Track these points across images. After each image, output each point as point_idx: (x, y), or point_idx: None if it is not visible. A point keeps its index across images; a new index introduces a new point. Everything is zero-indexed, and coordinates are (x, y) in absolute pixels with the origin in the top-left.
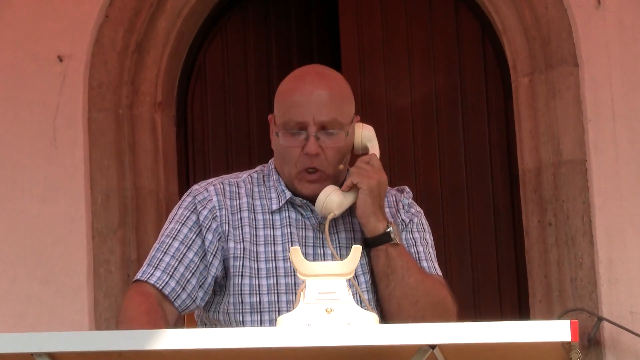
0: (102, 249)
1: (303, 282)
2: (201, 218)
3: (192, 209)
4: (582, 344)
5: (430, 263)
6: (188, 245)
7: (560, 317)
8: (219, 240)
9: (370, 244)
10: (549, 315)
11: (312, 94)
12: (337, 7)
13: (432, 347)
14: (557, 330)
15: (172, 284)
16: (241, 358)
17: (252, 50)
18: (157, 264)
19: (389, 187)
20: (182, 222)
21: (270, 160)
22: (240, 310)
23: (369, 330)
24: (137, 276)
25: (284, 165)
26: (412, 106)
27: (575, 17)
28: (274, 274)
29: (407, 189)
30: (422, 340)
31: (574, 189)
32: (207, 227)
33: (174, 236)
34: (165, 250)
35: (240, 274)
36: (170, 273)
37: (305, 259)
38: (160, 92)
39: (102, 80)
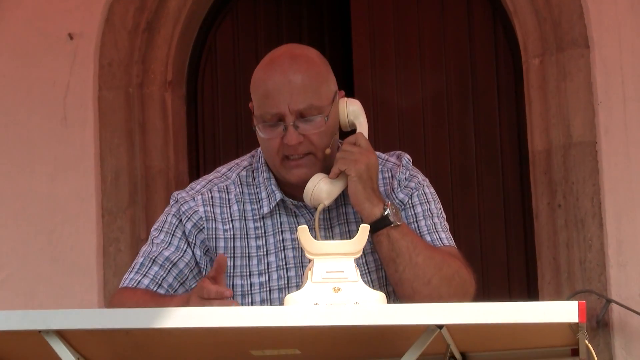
0: (111, 227)
1: (310, 261)
2: (186, 232)
3: (179, 219)
4: (590, 326)
5: (435, 235)
6: (179, 256)
7: (569, 299)
8: (205, 253)
9: (370, 230)
10: (557, 296)
11: (284, 82)
12: None
13: (440, 327)
14: (565, 311)
15: (162, 292)
16: (248, 336)
17: (263, 31)
18: (146, 272)
19: (385, 155)
20: (172, 232)
21: (258, 152)
22: None
23: (377, 309)
24: (124, 283)
25: (268, 157)
26: (422, 87)
27: None
28: (267, 289)
29: (405, 157)
30: (429, 320)
31: (584, 171)
32: (194, 241)
33: (164, 247)
34: (154, 258)
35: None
36: (159, 282)
37: (300, 263)
38: (170, 71)
39: (113, 58)
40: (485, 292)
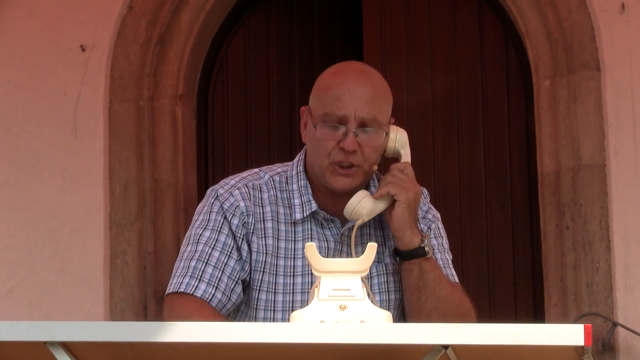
0: (119, 240)
1: (318, 278)
2: (233, 227)
3: (223, 215)
4: (596, 349)
5: (449, 270)
6: (228, 253)
7: (575, 321)
8: (249, 247)
9: (403, 258)
10: (564, 319)
11: (356, 89)
12: (360, 4)
13: (445, 347)
14: (570, 334)
15: (219, 295)
16: (253, 353)
17: (275, 46)
18: (201, 276)
19: None
20: (218, 229)
21: (296, 160)
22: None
23: (383, 328)
24: (180, 288)
25: (316, 158)
26: (432, 106)
27: (599, 21)
28: (291, 290)
29: (424, 192)
30: (435, 340)
31: (593, 193)
32: (240, 236)
33: (212, 245)
34: (206, 260)
35: (258, 288)
36: (216, 285)
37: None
38: (181, 85)
39: (124, 71)
40: (491, 312)
